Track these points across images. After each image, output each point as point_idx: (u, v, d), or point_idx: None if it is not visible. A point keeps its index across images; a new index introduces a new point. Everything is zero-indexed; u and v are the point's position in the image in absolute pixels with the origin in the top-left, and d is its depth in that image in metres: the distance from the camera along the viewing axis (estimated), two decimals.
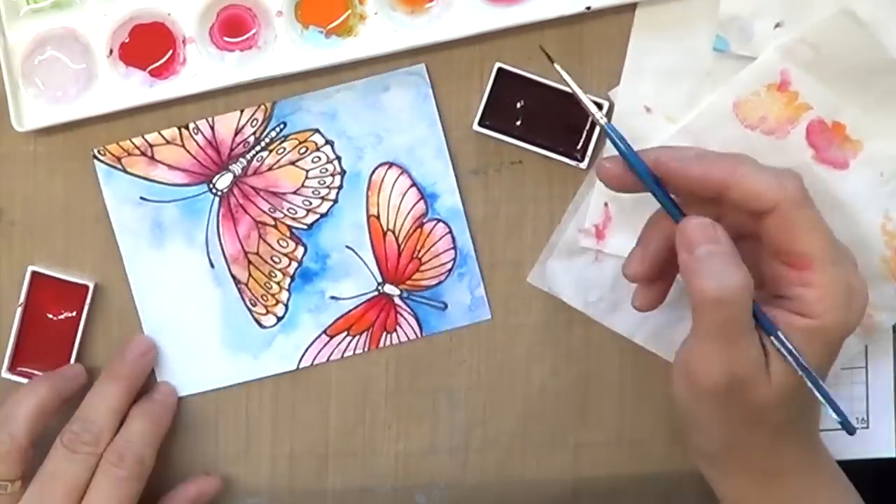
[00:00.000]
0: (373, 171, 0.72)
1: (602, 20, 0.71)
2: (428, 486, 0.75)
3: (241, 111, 0.72)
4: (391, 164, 0.72)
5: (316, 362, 0.73)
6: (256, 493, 0.75)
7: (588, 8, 0.69)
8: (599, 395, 0.74)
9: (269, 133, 0.72)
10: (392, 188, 0.72)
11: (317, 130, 0.72)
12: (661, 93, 0.71)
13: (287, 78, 0.71)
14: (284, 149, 0.72)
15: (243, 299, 0.73)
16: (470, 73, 0.72)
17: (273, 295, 0.73)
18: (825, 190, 0.69)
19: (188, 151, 0.72)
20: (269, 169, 0.72)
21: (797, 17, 0.69)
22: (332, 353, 0.73)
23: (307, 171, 0.72)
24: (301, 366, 0.73)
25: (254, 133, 0.72)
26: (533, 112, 0.70)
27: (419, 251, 0.72)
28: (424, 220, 0.72)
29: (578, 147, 0.71)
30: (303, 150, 0.72)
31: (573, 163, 0.71)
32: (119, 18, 0.70)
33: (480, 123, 0.70)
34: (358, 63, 0.71)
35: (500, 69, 0.70)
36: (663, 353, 0.73)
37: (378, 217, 0.72)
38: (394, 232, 0.72)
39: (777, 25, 0.69)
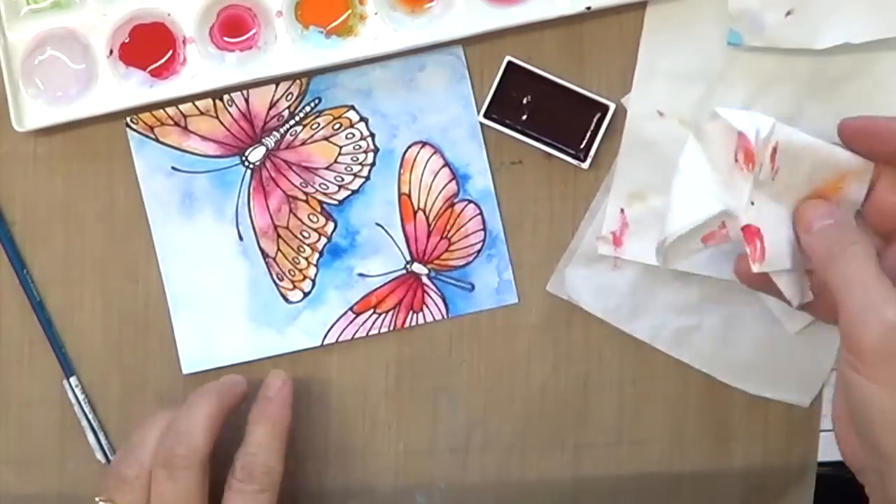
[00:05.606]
0: (406, 150, 0.72)
1: (602, 20, 0.72)
2: (428, 486, 0.74)
3: (276, 85, 0.72)
4: (424, 144, 0.72)
5: (341, 339, 0.72)
6: None
7: (588, 8, 0.70)
8: (599, 395, 0.74)
9: (303, 108, 0.72)
10: (424, 167, 0.72)
11: (352, 107, 0.72)
12: (674, 96, 0.71)
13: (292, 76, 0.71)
14: (318, 124, 0.72)
15: (270, 273, 0.72)
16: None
17: (301, 270, 0.72)
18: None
19: (222, 123, 0.72)
20: (303, 144, 0.72)
21: (807, 5, 0.68)
22: (357, 331, 0.72)
23: (340, 148, 0.72)
24: (325, 342, 0.72)
25: (288, 107, 0.72)
26: (539, 108, 0.71)
27: (449, 231, 0.73)
28: (455, 201, 0.72)
29: (582, 146, 0.71)
30: (337, 126, 0.72)
31: (575, 162, 0.71)
32: (119, 19, 0.70)
33: (486, 115, 0.71)
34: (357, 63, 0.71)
35: (509, 63, 0.71)
36: (686, 358, 0.73)
37: (409, 195, 0.72)
38: (424, 211, 0.72)
39: (788, 13, 0.68)
